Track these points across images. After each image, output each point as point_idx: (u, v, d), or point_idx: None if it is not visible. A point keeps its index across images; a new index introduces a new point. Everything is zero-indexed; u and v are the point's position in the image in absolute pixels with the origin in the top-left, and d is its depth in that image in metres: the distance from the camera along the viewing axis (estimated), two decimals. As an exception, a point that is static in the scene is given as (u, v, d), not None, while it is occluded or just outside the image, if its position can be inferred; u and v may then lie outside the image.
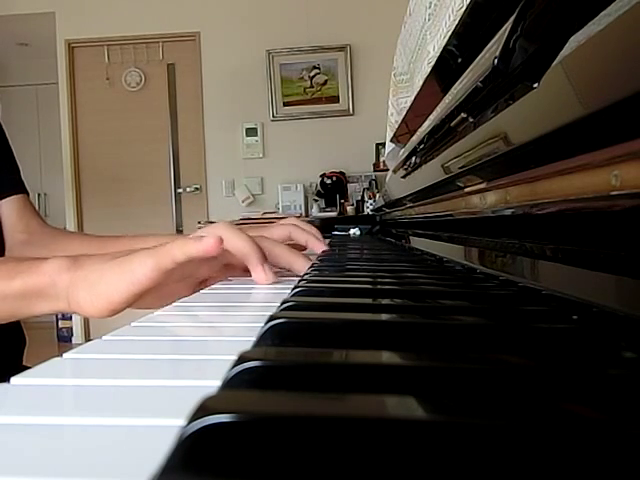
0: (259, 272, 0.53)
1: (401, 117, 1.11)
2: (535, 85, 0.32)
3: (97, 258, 0.48)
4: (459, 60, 0.60)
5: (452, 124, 0.54)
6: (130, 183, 3.99)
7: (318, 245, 0.73)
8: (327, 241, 0.77)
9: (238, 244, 0.52)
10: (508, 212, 0.42)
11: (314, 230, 0.75)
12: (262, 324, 0.25)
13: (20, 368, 0.23)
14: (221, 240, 0.44)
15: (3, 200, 0.88)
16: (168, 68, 4.03)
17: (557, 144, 0.29)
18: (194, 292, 0.56)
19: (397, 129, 1.18)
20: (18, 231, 0.87)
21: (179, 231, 3.94)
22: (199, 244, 0.44)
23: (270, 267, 0.54)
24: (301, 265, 0.58)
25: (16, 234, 0.87)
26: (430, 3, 0.81)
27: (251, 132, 3.94)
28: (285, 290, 0.46)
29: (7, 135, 0.94)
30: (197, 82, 3.97)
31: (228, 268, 0.57)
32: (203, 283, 0.57)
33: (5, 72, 4.89)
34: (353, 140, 3.87)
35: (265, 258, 0.54)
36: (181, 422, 0.13)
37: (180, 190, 4.02)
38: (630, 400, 0.17)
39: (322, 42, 3.89)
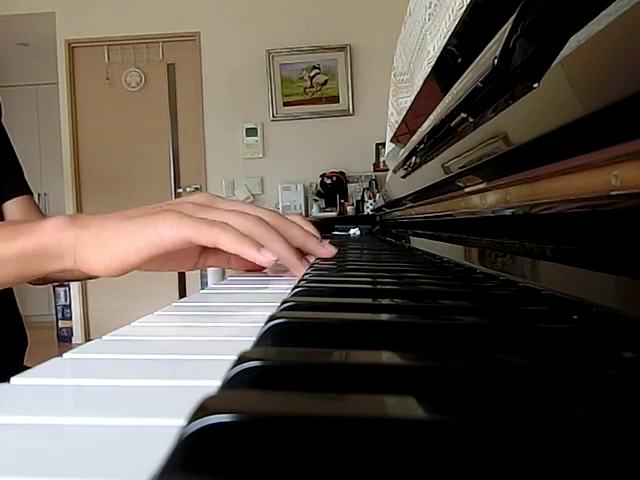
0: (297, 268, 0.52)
1: (401, 117, 1.11)
2: (535, 85, 0.32)
3: (103, 217, 0.47)
4: (459, 60, 0.60)
5: (452, 124, 0.54)
6: (130, 183, 3.99)
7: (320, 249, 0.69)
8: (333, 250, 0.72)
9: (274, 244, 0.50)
10: (508, 212, 0.42)
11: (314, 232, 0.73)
12: (262, 324, 0.25)
13: (20, 368, 0.23)
14: (275, 259, 0.45)
15: (9, 201, 0.89)
16: (168, 68, 4.04)
17: (557, 144, 0.29)
18: (195, 264, 0.56)
19: (397, 129, 1.18)
20: None
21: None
22: (254, 252, 0.44)
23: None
24: (314, 246, 0.57)
25: None
26: (430, 3, 0.81)
27: (251, 132, 3.94)
28: (285, 290, 0.46)
29: (9, 136, 0.94)
30: (197, 82, 3.97)
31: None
32: (204, 254, 0.56)
33: (5, 72, 4.89)
34: (353, 140, 3.87)
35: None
36: (181, 422, 0.13)
37: (180, 190, 4.02)
38: (630, 400, 0.17)
39: (322, 42, 3.89)
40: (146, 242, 0.44)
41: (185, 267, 0.56)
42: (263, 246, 0.45)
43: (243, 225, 0.47)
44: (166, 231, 0.43)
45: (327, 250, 0.60)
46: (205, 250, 0.56)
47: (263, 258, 0.44)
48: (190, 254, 0.55)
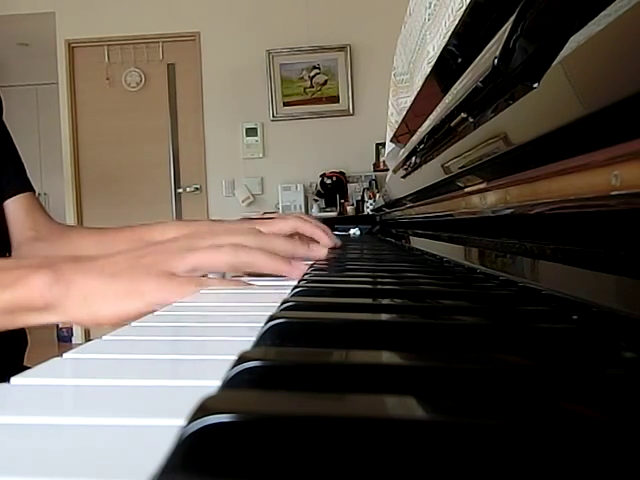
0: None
1: (401, 117, 1.11)
2: (535, 85, 0.32)
3: (89, 269, 0.47)
4: (459, 60, 0.60)
5: (452, 124, 0.54)
6: (130, 183, 3.99)
7: (325, 239, 0.69)
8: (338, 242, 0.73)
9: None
10: (508, 212, 0.42)
11: (322, 225, 0.72)
12: (262, 324, 0.25)
13: (20, 368, 0.23)
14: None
15: (11, 199, 0.89)
16: (168, 68, 4.04)
17: (557, 144, 0.29)
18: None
19: (397, 129, 1.18)
20: (27, 228, 0.87)
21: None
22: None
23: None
24: (302, 252, 0.57)
25: (25, 231, 0.87)
26: (430, 3, 0.81)
27: (251, 132, 3.94)
28: (285, 290, 0.46)
29: (11, 134, 0.94)
30: (197, 82, 3.97)
31: None
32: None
33: (5, 72, 4.89)
34: (353, 140, 3.87)
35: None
36: (181, 422, 0.13)
37: (180, 190, 4.02)
38: (630, 400, 0.17)
39: (322, 42, 3.89)
40: (134, 309, 0.45)
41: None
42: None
43: (224, 261, 0.49)
44: (153, 298, 0.45)
45: (318, 252, 0.60)
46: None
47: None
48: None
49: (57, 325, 4.12)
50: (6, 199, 0.88)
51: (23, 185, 0.91)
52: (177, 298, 0.45)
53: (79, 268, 0.47)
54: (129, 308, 0.45)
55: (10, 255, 0.85)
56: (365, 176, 3.83)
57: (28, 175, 0.94)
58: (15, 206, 0.89)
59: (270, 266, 0.50)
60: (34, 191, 0.93)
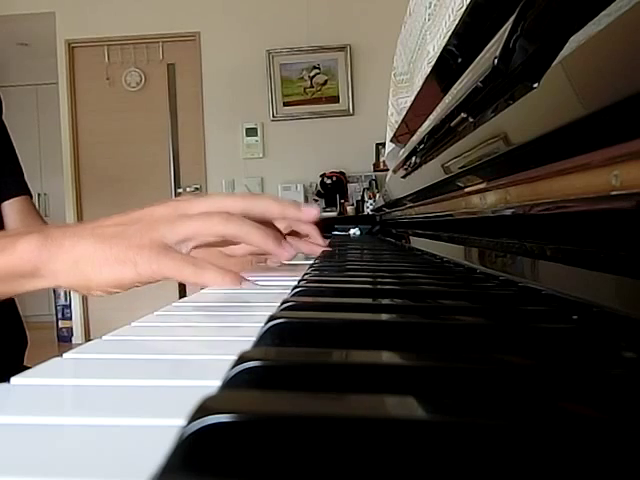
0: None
1: (401, 117, 1.11)
2: (535, 85, 0.32)
3: (74, 234, 0.46)
4: (459, 60, 0.60)
5: (452, 124, 0.54)
6: (130, 183, 3.99)
7: (320, 240, 0.67)
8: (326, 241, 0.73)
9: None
10: (508, 212, 0.42)
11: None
12: (262, 324, 0.25)
13: (20, 368, 0.23)
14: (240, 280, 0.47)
15: (7, 202, 0.88)
16: (168, 68, 4.03)
17: (557, 144, 0.29)
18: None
19: (397, 129, 1.18)
20: None
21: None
22: (218, 279, 0.46)
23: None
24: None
25: None
26: (430, 3, 0.81)
27: (251, 132, 3.94)
28: (285, 290, 0.46)
29: (11, 136, 0.94)
30: (197, 82, 3.97)
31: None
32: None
33: (5, 72, 4.89)
34: (353, 140, 3.87)
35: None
36: (181, 422, 0.13)
37: (180, 190, 4.01)
38: (630, 400, 0.17)
39: (322, 42, 3.89)
40: (128, 280, 0.44)
41: None
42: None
43: (214, 232, 0.47)
44: (145, 270, 0.44)
45: (309, 213, 0.55)
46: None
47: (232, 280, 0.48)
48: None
49: (57, 325, 4.12)
50: (2, 201, 0.88)
51: (20, 188, 0.90)
52: (169, 275, 0.44)
53: (68, 232, 0.46)
54: (121, 276, 0.44)
55: None
56: (365, 176, 3.83)
57: (25, 178, 0.93)
58: (10, 209, 0.88)
59: (261, 243, 0.48)
60: (30, 195, 0.92)
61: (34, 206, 0.93)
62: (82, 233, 0.46)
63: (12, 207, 0.89)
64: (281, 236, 0.52)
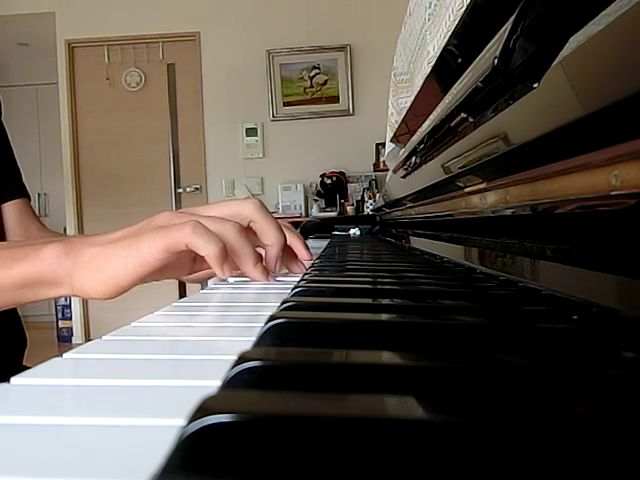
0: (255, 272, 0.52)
1: (401, 117, 1.11)
2: (535, 85, 0.32)
3: (95, 241, 0.48)
4: (459, 60, 0.60)
5: (452, 124, 0.54)
6: (130, 183, 3.99)
7: (304, 252, 0.65)
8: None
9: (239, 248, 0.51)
10: (508, 212, 0.42)
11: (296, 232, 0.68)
12: (262, 324, 0.25)
13: (20, 368, 0.23)
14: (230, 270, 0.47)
15: (5, 204, 0.88)
16: (168, 68, 4.04)
17: (557, 144, 0.29)
18: (191, 270, 0.56)
19: (397, 129, 1.18)
20: (17, 235, 0.87)
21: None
22: (219, 267, 0.45)
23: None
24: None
25: (15, 237, 0.87)
26: (430, 3, 0.81)
27: (251, 132, 3.94)
28: (285, 290, 0.46)
29: (10, 138, 0.93)
30: (197, 82, 3.97)
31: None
32: (198, 261, 0.56)
33: (5, 72, 4.89)
34: (353, 140, 3.87)
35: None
36: (181, 422, 0.13)
37: (180, 190, 4.02)
38: (630, 400, 0.17)
39: (322, 42, 3.89)
40: (133, 264, 0.45)
41: (182, 274, 0.57)
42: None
43: (222, 233, 0.48)
44: (145, 249, 0.45)
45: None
46: (198, 256, 0.56)
47: (227, 272, 0.47)
48: (183, 261, 0.55)
49: (57, 325, 4.12)
50: (1, 203, 0.88)
51: (18, 190, 0.90)
52: (174, 240, 0.44)
53: (86, 240, 0.48)
54: (129, 264, 0.45)
55: None
56: (365, 176, 3.83)
57: (24, 181, 0.93)
58: (9, 211, 0.88)
59: (249, 271, 0.50)
60: (29, 197, 0.93)
61: (32, 208, 0.93)
62: (96, 239, 0.48)
63: (11, 209, 0.89)
64: (260, 257, 0.53)
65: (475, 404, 0.15)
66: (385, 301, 0.35)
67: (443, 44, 0.63)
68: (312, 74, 3.95)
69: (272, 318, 0.25)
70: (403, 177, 0.98)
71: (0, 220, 0.87)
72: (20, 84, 4.91)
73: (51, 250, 0.47)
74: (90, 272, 0.46)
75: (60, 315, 4.11)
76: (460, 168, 0.50)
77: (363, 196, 3.67)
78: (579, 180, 0.28)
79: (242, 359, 0.18)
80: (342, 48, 3.90)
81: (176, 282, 3.92)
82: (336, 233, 1.65)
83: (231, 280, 0.57)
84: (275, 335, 0.25)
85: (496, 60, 0.36)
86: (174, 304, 0.43)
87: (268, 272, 0.54)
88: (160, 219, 0.49)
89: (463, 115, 0.49)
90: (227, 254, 0.47)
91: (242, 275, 0.55)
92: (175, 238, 0.44)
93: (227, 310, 0.42)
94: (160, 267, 0.45)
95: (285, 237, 0.55)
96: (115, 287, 0.46)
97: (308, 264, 0.63)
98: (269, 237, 0.54)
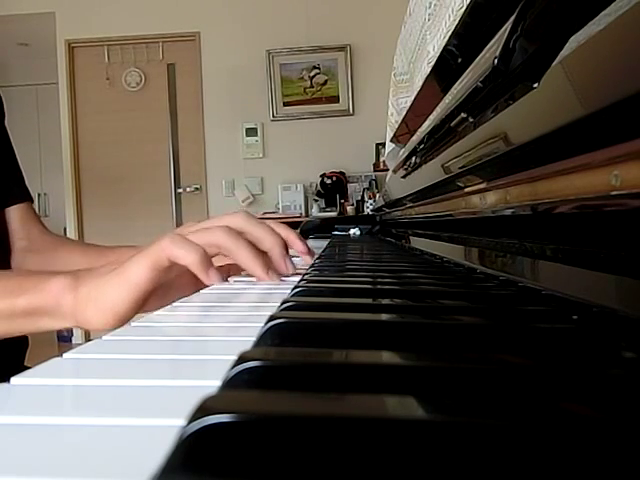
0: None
1: (401, 117, 1.11)
2: (535, 85, 0.32)
3: (96, 272, 0.49)
4: (459, 60, 0.60)
5: (452, 124, 0.54)
6: (130, 183, 3.99)
7: (299, 245, 0.62)
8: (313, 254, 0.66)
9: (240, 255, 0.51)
10: (508, 212, 0.42)
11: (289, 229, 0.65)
12: (262, 324, 0.25)
13: (21, 369, 0.23)
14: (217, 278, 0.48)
15: (8, 207, 0.88)
16: (168, 68, 4.04)
17: (557, 144, 0.29)
18: (197, 288, 0.56)
19: (397, 129, 1.18)
20: (19, 238, 0.87)
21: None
22: (203, 273, 0.46)
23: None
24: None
25: (17, 241, 0.87)
26: (430, 3, 0.81)
27: (251, 132, 3.94)
28: (285, 290, 0.46)
29: (12, 142, 0.94)
30: (197, 82, 3.97)
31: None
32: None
33: (5, 72, 4.89)
34: (353, 140, 3.87)
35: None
36: (181, 422, 0.13)
37: (180, 190, 4.02)
38: (630, 400, 0.17)
39: (322, 42, 3.89)
40: (125, 290, 0.46)
41: (188, 294, 0.56)
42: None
43: (207, 239, 0.49)
44: (133, 273, 0.46)
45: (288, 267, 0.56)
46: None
47: (213, 277, 0.48)
48: (185, 281, 0.54)
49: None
50: (5, 207, 0.88)
51: (22, 194, 0.91)
52: (156, 255, 0.45)
53: (92, 272, 0.49)
54: (122, 290, 0.46)
55: (9, 262, 0.85)
56: (365, 176, 3.83)
57: (27, 184, 0.93)
58: (13, 215, 0.89)
59: (248, 265, 0.51)
60: (32, 201, 0.93)
61: (35, 211, 0.94)
62: (101, 270, 0.49)
63: (15, 213, 0.89)
64: (269, 262, 0.54)
65: (475, 404, 0.15)
66: (385, 301, 0.35)
67: (443, 44, 0.63)
68: (312, 74, 3.95)
69: (272, 318, 0.25)
70: (403, 177, 0.98)
71: (4, 223, 0.87)
72: (20, 84, 4.91)
73: (57, 283, 0.48)
74: (90, 304, 0.47)
75: (60, 315, 4.10)
76: (460, 168, 0.50)
77: (363, 196, 3.67)
78: (579, 180, 0.28)
79: (242, 359, 0.18)
80: (342, 48, 3.90)
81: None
82: (336, 233, 1.65)
83: (233, 280, 0.57)
84: (275, 335, 0.25)
85: (496, 60, 0.36)
86: (174, 304, 0.43)
87: (278, 273, 0.54)
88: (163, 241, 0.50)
89: (463, 115, 0.49)
90: (210, 260, 0.47)
91: (249, 275, 0.55)
92: (156, 254, 0.46)
93: (227, 310, 0.42)
94: (153, 288, 0.47)
95: (281, 236, 0.55)
96: (114, 316, 0.46)
97: (307, 258, 0.63)
98: (266, 242, 0.54)
